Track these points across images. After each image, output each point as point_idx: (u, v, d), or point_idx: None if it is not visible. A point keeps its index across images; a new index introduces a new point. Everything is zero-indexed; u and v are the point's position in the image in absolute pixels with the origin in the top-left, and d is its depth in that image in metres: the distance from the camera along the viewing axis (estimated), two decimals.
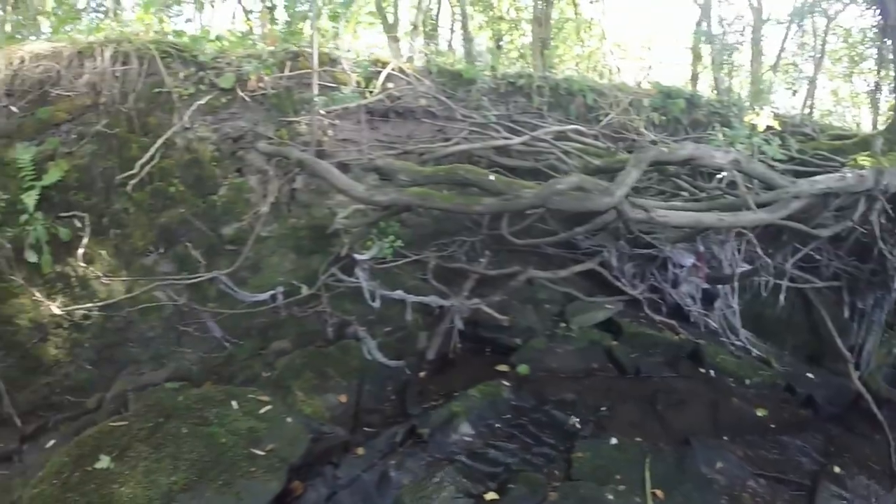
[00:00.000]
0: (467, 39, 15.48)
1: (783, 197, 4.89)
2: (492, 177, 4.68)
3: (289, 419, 4.35)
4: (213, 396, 4.44)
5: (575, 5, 16.71)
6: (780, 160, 5.83)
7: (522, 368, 5.60)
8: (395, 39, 14.26)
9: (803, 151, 6.32)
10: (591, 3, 15.93)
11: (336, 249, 5.74)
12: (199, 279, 5.33)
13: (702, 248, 6.02)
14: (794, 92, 15.75)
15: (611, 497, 4.11)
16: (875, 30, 12.08)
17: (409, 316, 5.58)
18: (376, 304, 5.48)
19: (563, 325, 6.25)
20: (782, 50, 16.76)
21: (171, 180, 5.58)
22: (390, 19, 15.31)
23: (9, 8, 8.62)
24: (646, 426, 5.12)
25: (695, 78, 15.98)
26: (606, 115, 7.38)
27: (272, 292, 5.48)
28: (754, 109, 6.99)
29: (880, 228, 5.87)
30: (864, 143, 6.30)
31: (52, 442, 4.59)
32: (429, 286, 6.03)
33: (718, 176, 5.71)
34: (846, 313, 6.44)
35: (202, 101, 5.67)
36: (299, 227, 6.14)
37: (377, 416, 5.10)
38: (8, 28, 8.22)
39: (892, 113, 6.61)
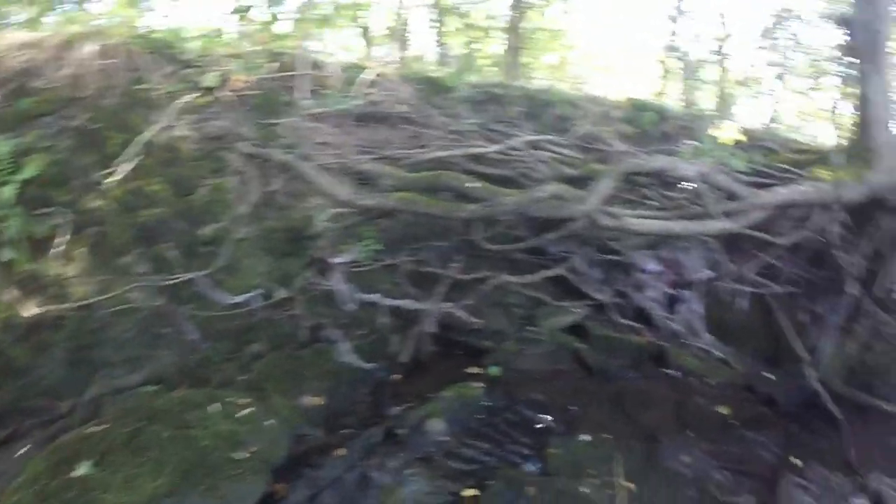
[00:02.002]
0: (441, 46, 15.61)
1: (746, 207, 5.11)
2: (476, 184, 4.82)
3: (269, 421, 4.41)
4: (193, 399, 4.45)
5: (547, 15, 16.97)
6: (744, 172, 6.07)
7: (494, 370, 5.75)
8: (371, 44, 14.32)
9: (767, 164, 6.56)
10: (565, 13, 16.17)
11: (311, 252, 5.80)
12: (177, 280, 5.34)
13: (667, 255, 6.24)
14: (760, 106, 16.22)
15: (586, 490, 4.28)
16: (841, 49, 12.50)
17: (382, 319, 5.67)
18: (351, 307, 5.56)
19: (532, 328, 6.40)
20: (749, 66, 17.26)
21: (151, 179, 5.57)
22: (365, 23, 15.35)
23: None
24: (614, 424, 5.29)
25: (664, 91, 16.34)
26: (579, 125, 7.55)
27: (250, 295, 5.51)
28: (721, 123, 7.22)
29: (836, 238, 6.20)
30: (823, 157, 6.57)
31: (24, 448, 4.45)
32: (403, 290, 6.13)
33: (683, 186, 5.92)
34: (804, 317, 6.68)
35: (184, 100, 5.68)
36: (275, 230, 6.16)
37: (353, 418, 5.17)
38: None
39: (853, 128, 6.89)
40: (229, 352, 5.62)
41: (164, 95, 5.61)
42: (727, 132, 6.37)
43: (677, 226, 5.07)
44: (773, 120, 15.28)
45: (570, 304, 6.51)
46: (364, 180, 5.64)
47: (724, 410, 5.87)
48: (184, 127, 5.79)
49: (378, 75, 6.70)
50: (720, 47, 16.50)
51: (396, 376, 5.76)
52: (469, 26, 16.57)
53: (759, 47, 16.86)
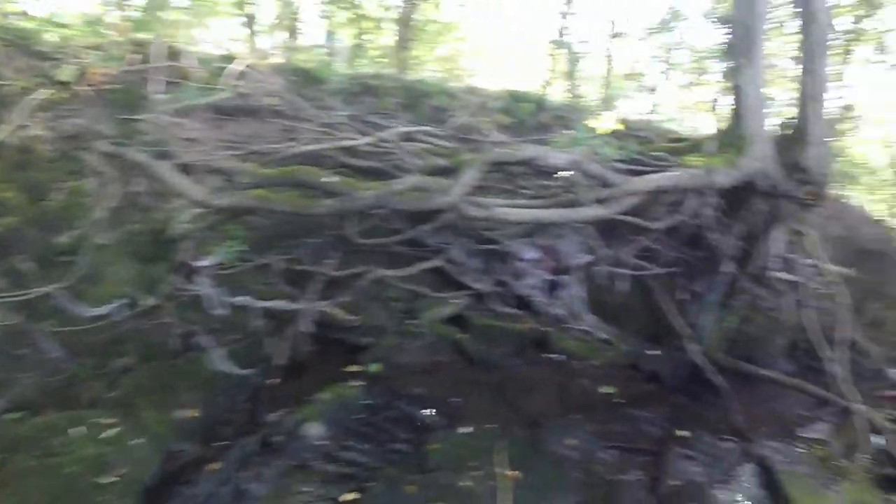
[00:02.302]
0: (329, 37, 15.29)
1: (618, 193, 5.21)
2: (331, 178, 4.68)
3: (138, 440, 4.20)
4: (58, 424, 4.20)
5: (440, 7, 16.93)
6: (619, 160, 6.20)
7: (374, 367, 5.63)
8: (255, 33, 13.87)
9: (642, 153, 6.73)
10: (461, 6, 16.19)
11: (178, 256, 5.51)
12: (34, 294, 4.92)
13: (545, 243, 6.30)
14: (645, 99, 16.84)
15: (468, 484, 4.25)
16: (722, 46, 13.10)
17: (255, 322, 5.45)
18: (220, 312, 5.32)
19: (412, 321, 6.30)
20: (635, 61, 17.89)
21: (1, 185, 5.14)
22: (250, 12, 14.84)
23: None
24: (497, 413, 5.30)
25: (551, 83, 16.66)
26: (456, 116, 7.52)
27: (114, 305, 5.19)
28: (599, 114, 7.36)
29: (711, 221, 6.50)
30: (697, 146, 6.85)
31: None
32: (276, 290, 5.90)
33: (559, 175, 5.99)
34: (683, 296, 6.95)
35: (38, 96, 5.27)
36: (140, 234, 5.78)
37: (230, 427, 4.93)
38: None
39: (728, 119, 7.22)
40: (96, 368, 5.18)
41: (18, 91, 5.17)
42: (604, 123, 6.51)
43: (550, 214, 5.12)
44: (655, 112, 15.89)
45: (450, 295, 6.43)
46: (227, 178, 5.39)
47: (608, 390, 6.00)
48: (38, 126, 5.35)
49: (248, 66, 6.41)
50: (609, 43, 17.02)
51: (274, 380, 5.51)
52: (361, 17, 16.29)
53: (646, 44, 17.55)
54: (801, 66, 7.23)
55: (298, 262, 6.12)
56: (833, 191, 10.51)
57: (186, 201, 5.11)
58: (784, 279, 7.09)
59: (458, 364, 6.00)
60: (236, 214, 5.25)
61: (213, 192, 4.84)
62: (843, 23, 16.46)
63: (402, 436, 4.91)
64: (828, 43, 7.28)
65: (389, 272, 6.05)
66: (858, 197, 19.53)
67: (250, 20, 14.53)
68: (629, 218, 5.67)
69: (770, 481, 5.06)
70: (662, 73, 17.38)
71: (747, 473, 5.24)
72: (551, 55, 16.18)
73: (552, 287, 6.53)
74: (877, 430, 6.58)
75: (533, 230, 6.17)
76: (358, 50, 15.13)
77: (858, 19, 16.86)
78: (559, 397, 5.70)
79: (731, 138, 6.59)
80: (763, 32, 6.97)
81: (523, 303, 6.58)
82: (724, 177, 6.00)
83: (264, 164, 5.77)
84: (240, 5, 14.27)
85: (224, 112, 6.27)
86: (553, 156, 4.92)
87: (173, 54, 6.16)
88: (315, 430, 4.72)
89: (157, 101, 5.66)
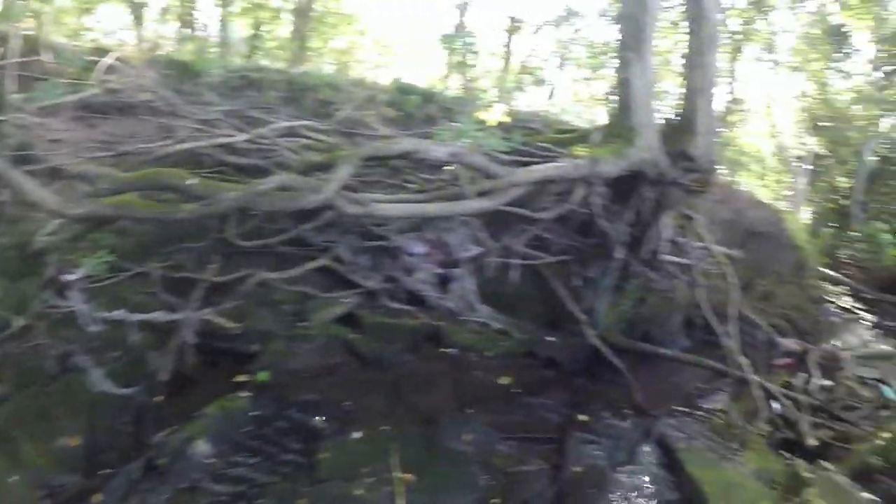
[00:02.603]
0: (224, 27, 14.61)
1: (502, 185, 5.20)
2: (191, 181, 4.42)
3: (13, 478, 3.93)
4: None
5: None
6: (506, 152, 6.19)
7: (263, 375, 5.38)
8: (142, 23, 13.07)
9: (529, 144, 6.76)
10: None
11: (47, 271, 5.10)
12: None
13: (433, 236, 6.24)
14: (539, 91, 17.12)
15: (361, 492, 4.15)
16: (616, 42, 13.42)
17: (134, 336, 5.13)
18: (96, 328, 4.97)
19: (302, 324, 6.09)
20: (529, 54, 18.14)
21: None
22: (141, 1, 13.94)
23: None
24: (392, 413, 5.20)
25: (446, 76, 16.61)
26: (341, 109, 7.33)
27: None
28: (489, 106, 7.31)
29: (601, 209, 6.62)
30: (585, 137, 6.96)
31: None
32: (156, 300, 5.57)
33: (445, 168, 5.94)
34: (578, 282, 7.09)
35: None
36: (7, 247, 5.37)
37: (113, 454, 4.60)
38: None
39: (616, 110, 7.38)
40: None
41: None
42: (493, 115, 6.48)
43: (433, 208, 5.08)
44: (552, 104, 16.18)
45: (340, 294, 6.27)
46: (91, 183, 5.02)
47: (505, 380, 6.00)
48: None
49: (119, 60, 5.99)
50: (506, 37, 17.17)
51: (159, 397, 5.18)
52: (257, 6, 15.64)
53: (543, 38, 17.84)
54: (690, 61, 7.42)
55: (179, 269, 5.82)
56: (722, 177, 11.02)
57: (43, 211, 4.71)
58: (675, 262, 7.34)
59: (352, 365, 5.85)
60: (99, 223, 4.88)
61: (71, 200, 4.48)
62: (734, 23, 17.58)
63: (294, 446, 4.74)
64: (717, 39, 7.54)
65: (274, 275, 5.82)
66: (748, 183, 20.78)
67: (138, 8, 13.64)
68: (516, 209, 5.67)
69: (670, 460, 5.20)
70: (559, 67, 17.66)
71: (648, 453, 5.38)
72: (447, 48, 16.10)
73: (443, 280, 6.49)
74: (773, 397, 6.97)
75: (420, 224, 6.09)
76: (254, 41, 14.52)
77: (749, 21, 17.98)
78: (455, 392, 5.66)
79: (620, 129, 6.72)
80: (653, 28, 7.12)
81: (415, 298, 6.51)
82: (611, 166, 6.12)
83: (137, 164, 5.42)
84: None
85: (95, 110, 5.86)
86: (434, 149, 4.85)
87: (38, 47, 5.67)
88: (202, 448, 4.49)
89: (14, 101, 5.19)
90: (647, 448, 5.46)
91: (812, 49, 19.01)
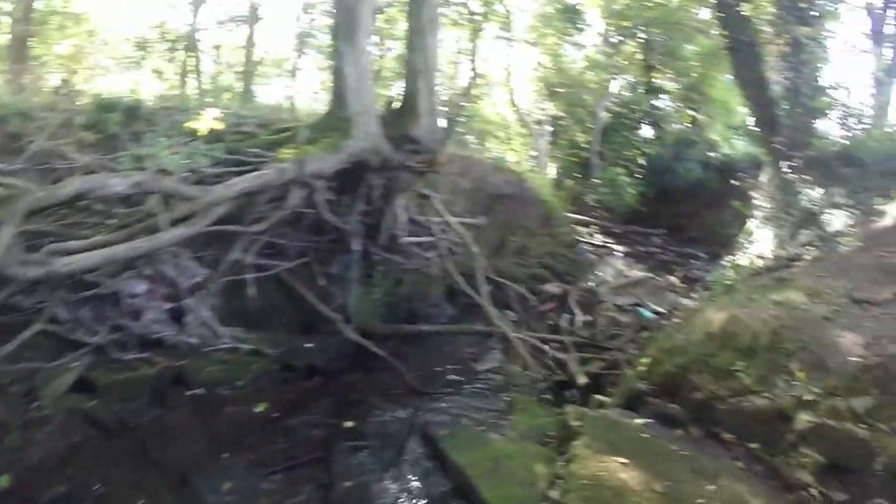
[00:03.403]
0: None
1: (200, 207, 4.82)
2: None
3: None
4: None
5: None
6: (217, 161, 5.81)
7: (2, 481, 4.45)
8: None
9: (236, 151, 6.37)
10: None
11: None
12: None
13: (152, 271, 5.64)
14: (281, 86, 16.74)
15: None
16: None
17: None
18: None
19: (36, 404, 5.15)
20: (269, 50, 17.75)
21: None
22: None
23: None
24: (144, 481, 4.65)
25: (163, 80, 15.59)
26: (35, 142, 6.37)
27: None
28: (199, 113, 6.75)
29: (326, 205, 6.47)
30: (295, 136, 6.71)
31: None
32: None
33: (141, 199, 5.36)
34: (323, 282, 6.94)
35: None
36: None
37: None
38: None
39: (329, 101, 7.23)
40: None
41: None
42: (203, 123, 6.02)
43: (123, 249, 4.52)
44: (289, 98, 15.94)
45: (68, 359, 5.36)
46: None
47: (260, 408, 5.67)
48: None
49: None
50: (249, 33, 16.55)
51: None
52: None
53: (283, 32, 17.48)
54: (411, 44, 7.55)
55: None
56: (462, 149, 11.51)
57: None
58: (415, 242, 7.45)
59: (96, 438, 5.09)
60: None
61: None
62: (475, 5, 18.88)
63: None
64: (437, 22, 7.69)
65: None
66: (496, 149, 22.23)
67: None
68: (225, 227, 5.33)
69: (435, 450, 5.15)
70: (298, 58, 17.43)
71: (415, 446, 5.31)
72: (169, 50, 15.07)
73: (176, 315, 5.87)
74: (538, 346, 7.42)
75: (131, 262, 5.44)
76: None
77: (488, 3, 19.27)
78: (207, 438, 5.22)
79: (336, 121, 6.61)
80: (369, 15, 7.04)
81: (151, 342, 5.81)
82: (323, 163, 5.99)
83: None
84: None
85: None
86: (113, 183, 4.29)
87: None
88: None
89: None
90: (413, 442, 5.41)
91: (547, 25, 20.88)
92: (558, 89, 22.23)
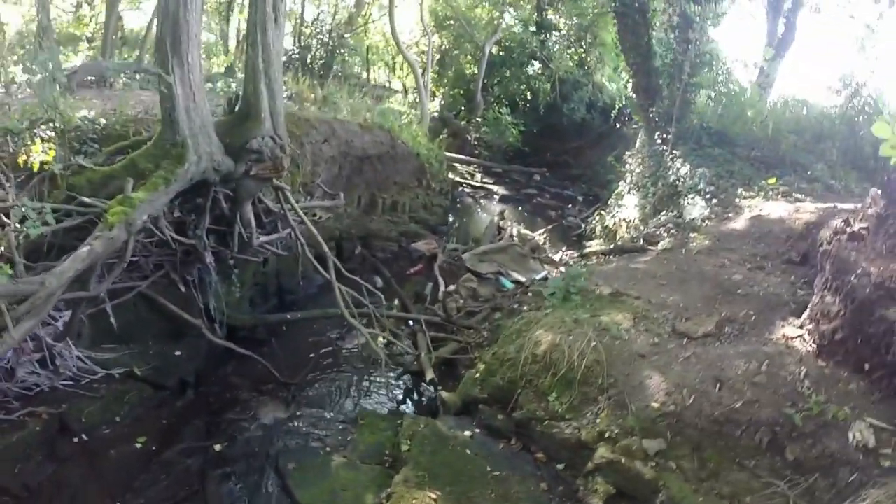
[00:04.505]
0: None
1: (39, 301, 4.78)
2: None
3: None
4: None
5: None
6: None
7: None
8: None
9: (56, 210, 5.67)
10: None
11: None
12: None
13: None
14: None
15: None
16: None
17: None
18: None
19: None
20: None
21: None
22: None
23: None
24: None
25: None
26: None
27: None
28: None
29: (176, 222, 6.62)
30: (122, 174, 6.18)
31: None
32: None
33: None
34: (185, 291, 7.06)
35: None
36: None
37: None
38: None
39: (160, 127, 6.57)
40: None
41: None
42: (35, 156, 5.75)
43: None
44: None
45: None
46: None
47: (140, 443, 5.74)
48: None
49: None
50: None
51: None
52: None
53: None
54: (250, 40, 7.16)
55: None
56: (325, 115, 11.40)
57: None
58: (267, 241, 7.67)
59: None
60: None
61: None
62: None
63: None
64: (282, 12, 7.37)
65: None
66: (383, 75, 21.72)
67: None
68: (72, 295, 5.45)
69: (285, 487, 5.42)
70: None
71: (271, 483, 5.54)
72: None
73: (12, 366, 5.59)
74: (392, 336, 7.89)
75: None
76: None
77: None
78: (100, 488, 5.26)
79: (168, 148, 6.30)
80: (197, 22, 6.50)
81: (31, 395, 5.62)
82: (153, 206, 5.87)
83: None
84: None
85: None
86: None
87: None
88: None
89: None
90: (274, 464, 5.68)
91: None
92: (447, 21, 22.17)
